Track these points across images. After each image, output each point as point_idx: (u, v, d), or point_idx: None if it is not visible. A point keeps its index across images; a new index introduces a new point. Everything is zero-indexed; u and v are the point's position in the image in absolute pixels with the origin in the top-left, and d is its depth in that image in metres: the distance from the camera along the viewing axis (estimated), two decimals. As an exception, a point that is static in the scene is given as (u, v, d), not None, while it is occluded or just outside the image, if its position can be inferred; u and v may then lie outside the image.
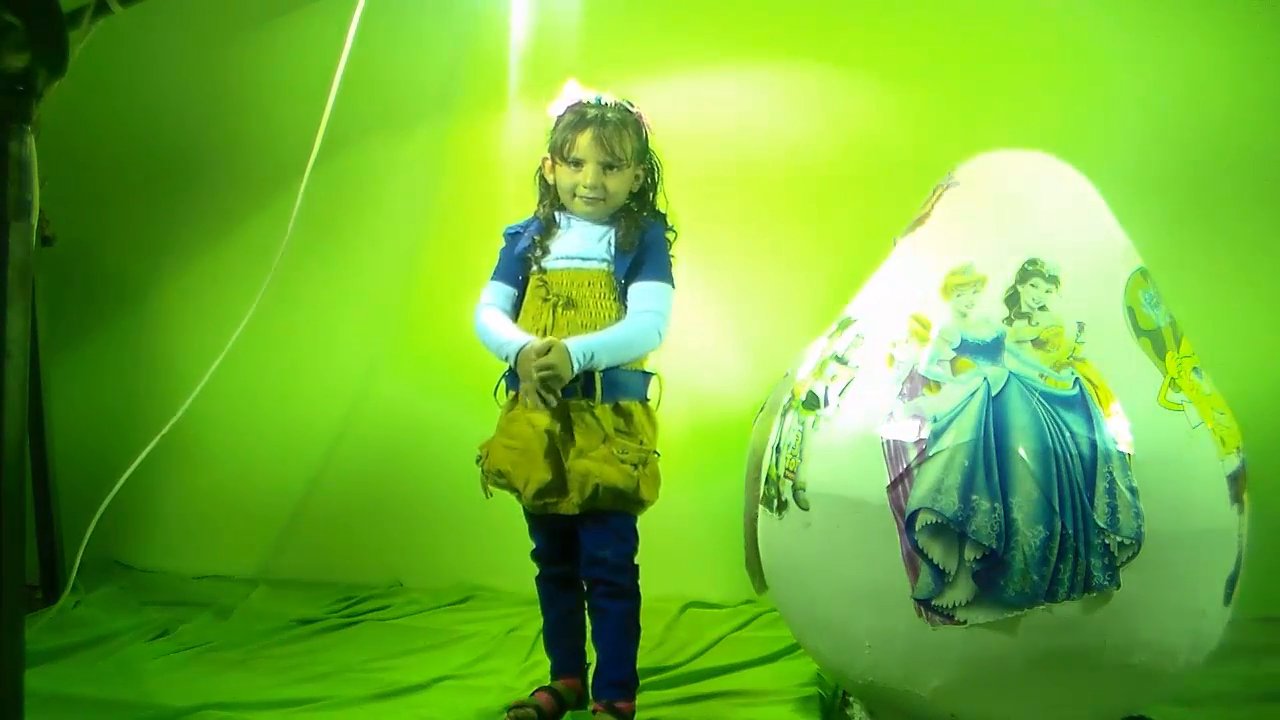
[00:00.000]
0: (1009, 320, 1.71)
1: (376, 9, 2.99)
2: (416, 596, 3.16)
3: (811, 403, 1.85)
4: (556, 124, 2.15)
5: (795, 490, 1.82)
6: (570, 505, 2.06)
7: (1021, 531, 1.57)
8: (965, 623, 1.61)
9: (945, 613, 1.62)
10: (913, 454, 1.65)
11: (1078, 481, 1.58)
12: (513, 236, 2.23)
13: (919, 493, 1.63)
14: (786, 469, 1.86)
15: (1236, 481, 1.72)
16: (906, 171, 2.83)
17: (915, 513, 1.63)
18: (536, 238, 2.18)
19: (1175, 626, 1.67)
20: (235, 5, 3.51)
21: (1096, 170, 1.95)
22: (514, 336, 2.07)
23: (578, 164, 2.11)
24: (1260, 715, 2.20)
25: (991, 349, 1.68)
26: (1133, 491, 1.59)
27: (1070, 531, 1.57)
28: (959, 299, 1.75)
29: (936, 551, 1.61)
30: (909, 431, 1.67)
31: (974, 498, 1.59)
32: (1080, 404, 1.62)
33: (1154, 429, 1.64)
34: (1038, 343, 1.68)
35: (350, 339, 3.44)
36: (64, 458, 3.17)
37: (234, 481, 3.47)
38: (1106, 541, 1.57)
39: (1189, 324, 1.87)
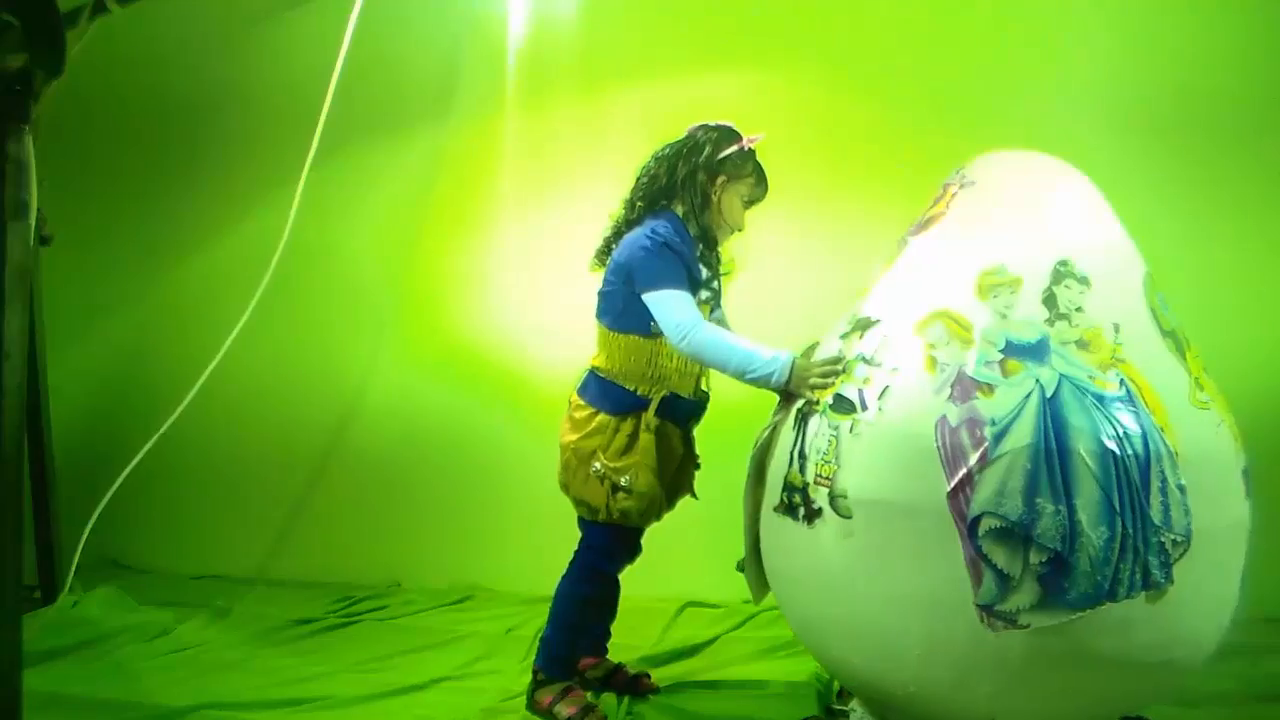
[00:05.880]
0: (1050, 321, 1.70)
1: (374, 9, 2.99)
2: (414, 597, 3.16)
3: (844, 407, 1.79)
4: (742, 158, 2.18)
5: (833, 498, 1.75)
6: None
7: (1085, 533, 1.57)
8: (1028, 626, 1.59)
9: (1008, 617, 1.60)
10: (973, 458, 1.62)
11: (1135, 481, 1.58)
12: (680, 249, 2.13)
13: (982, 497, 1.60)
14: (819, 475, 1.78)
15: (1247, 476, 1.75)
16: (905, 170, 2.87)
17: (978, 518, 1.60)
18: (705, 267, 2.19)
19: (1211, 619, 1.70)
20: (233, 5, 3.51)
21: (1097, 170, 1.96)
22: (770, 351, 1.99)
23: (749, 206, 2.22)
24: (1259, 715, 2.20)
25: (1038, 350, 1.67)
26: (1181, 489, 1.60)
27: (1130, 531, 1.57)
28: (996, 299, 1.73)
29: (1000, 556, 1.59)
30: (968, 436, 1.63)
31: (1038, 501, 1.58)
32: (1129, 404, 1.63)
33: (1190, 428, 1.66)
34: (1081, 344, 1.68)
35: (348, 339, 3.44)
36: (62, 457, 3.17)
37: (232, 481, 3.48)
38: (1162, 539, 1.58)
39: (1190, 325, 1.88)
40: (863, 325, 1.87)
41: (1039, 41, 3.04)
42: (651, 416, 2.14)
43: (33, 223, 1.72)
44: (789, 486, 1.85)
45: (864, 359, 1.80)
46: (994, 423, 1.62)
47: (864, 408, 1.75)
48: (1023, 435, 1.60)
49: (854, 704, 2.03)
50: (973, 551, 1.60)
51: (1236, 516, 1.70)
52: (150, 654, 2.64)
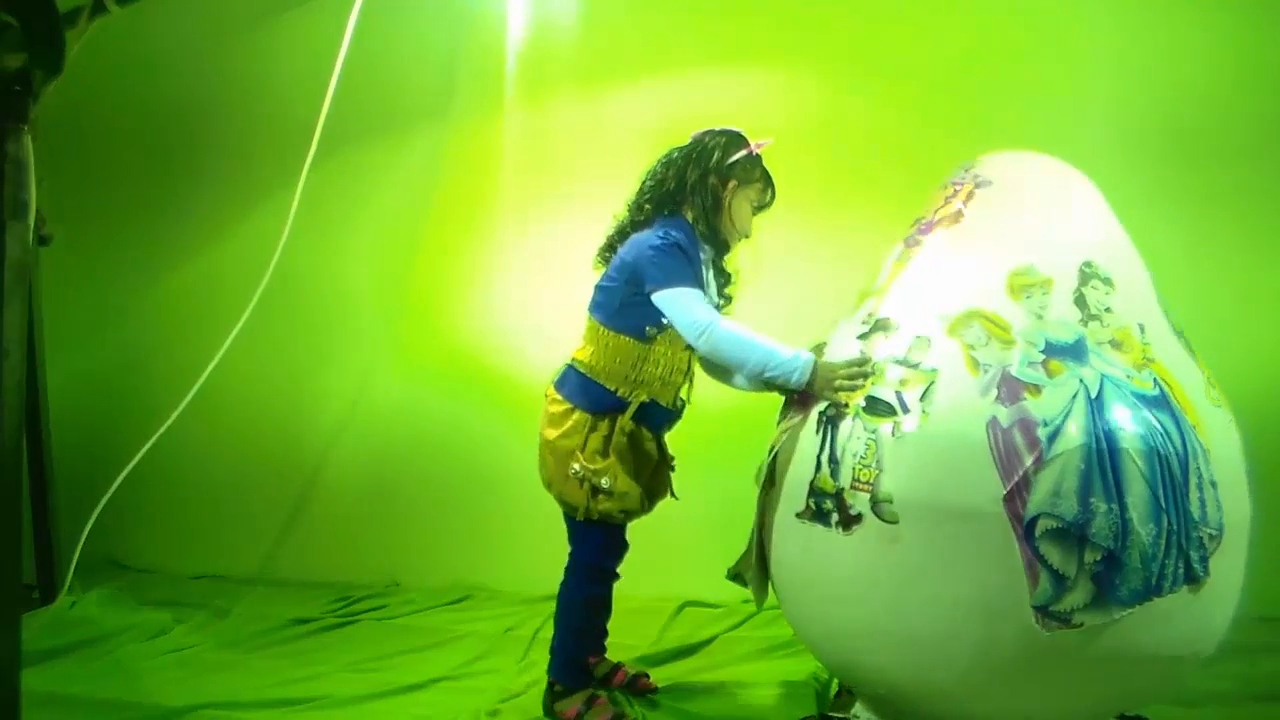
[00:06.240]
0: (1084, 322, 1.71)
1: (373, 10, 2.99)
2: (413, 596, 3.16)
3: (881, 409, 1.75)
4: (751, 163, 2.17)
5: (875, 503, 1.71)
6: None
7: (1136, 530, 1.58)
8: (1082, 625, 1.60)
9: (1063, 617, 1.60)
10: (1028, 459, 1.61)
11: (1177, 478, 1.61)
12: (690, 252, 2.11)
13: (1037, 498, 1.60)
14: (857, 480, 1.73)
15: (1249, 472, 1.77)
16: (902, 170, 2.87)
17: (1034, 519, 1.60)
18: (713, 272, 2.18)
19: (1228, 611, 1.73)
20: (232, 5, 3.51)
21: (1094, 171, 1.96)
22: (790, 350, 1.92)
23: (758, 211, 2.20)
24: (1258, 715, 2.20)
25: (1077, 351, 1.68)
26: (1214, 485, 1.64)
27: (1175, 527, 1.59)
28: (1029, 300, 1.73)
29: (1056, 556, 1.59)
30: (1022, 437, 1.62)
31: (1092, 500, 1.58)
32: (1165, 403, 1.65)
33: (1212, 425, 1.70)
34: (1114, 344, 1.69)
35: (347, 339, 3.44)
36: (62, 456, 3.17)
37: (231, 481, 3.48)
38: (1200, 534, 1.61)
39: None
40: (884, 326, 1.83)
41: (1041, 48, 3.04)
42: (627, 420, 2.12)
43: (31, 222, 1.72)
44: (818, 492, 1.79)
45: (895, 360, 1.77)
46: (1046, 423, 1.62)
47: (905, 410, 1.71)
48: (1075, 435, 1.61)
49: (856, 708, 2.01)
50: (1030, 553, 1.60)
51: (1246, 510, 1.74)
52: (149, 654, 2.64)
